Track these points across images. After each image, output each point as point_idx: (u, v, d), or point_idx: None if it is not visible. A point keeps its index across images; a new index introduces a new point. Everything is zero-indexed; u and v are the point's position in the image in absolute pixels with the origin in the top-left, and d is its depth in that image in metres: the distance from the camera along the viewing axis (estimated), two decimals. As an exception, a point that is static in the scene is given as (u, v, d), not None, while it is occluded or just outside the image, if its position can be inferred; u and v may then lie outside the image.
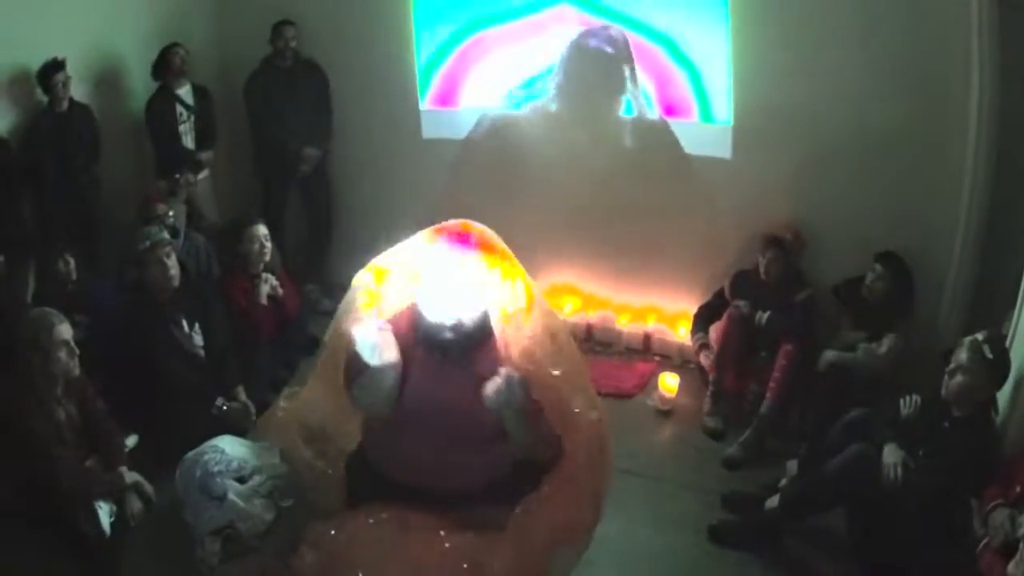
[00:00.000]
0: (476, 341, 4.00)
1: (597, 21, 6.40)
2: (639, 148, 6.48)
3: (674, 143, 6.42)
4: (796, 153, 5.98)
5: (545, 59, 6.66)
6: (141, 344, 5.47)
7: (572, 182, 6.69)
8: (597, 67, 6.44)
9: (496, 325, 4.03)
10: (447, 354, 4.01)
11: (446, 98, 7.21)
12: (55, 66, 6.19)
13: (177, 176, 6.67)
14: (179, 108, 7.00)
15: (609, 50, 6.34)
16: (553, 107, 6.67)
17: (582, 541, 4.16)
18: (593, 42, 6.38)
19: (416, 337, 4.10)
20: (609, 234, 6.77)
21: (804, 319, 5.71)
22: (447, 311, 3.96)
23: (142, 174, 7.17)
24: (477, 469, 4.06)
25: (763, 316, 5.72)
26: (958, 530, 4.09)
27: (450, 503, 4.04)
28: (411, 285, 4.23)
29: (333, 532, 4.15)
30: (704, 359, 6.01)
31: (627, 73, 6.37)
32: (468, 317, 3.96)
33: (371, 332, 4.02)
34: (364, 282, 4.32)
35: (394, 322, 4.20)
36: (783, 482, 4.88)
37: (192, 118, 7.09)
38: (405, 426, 4.11)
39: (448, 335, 3.96)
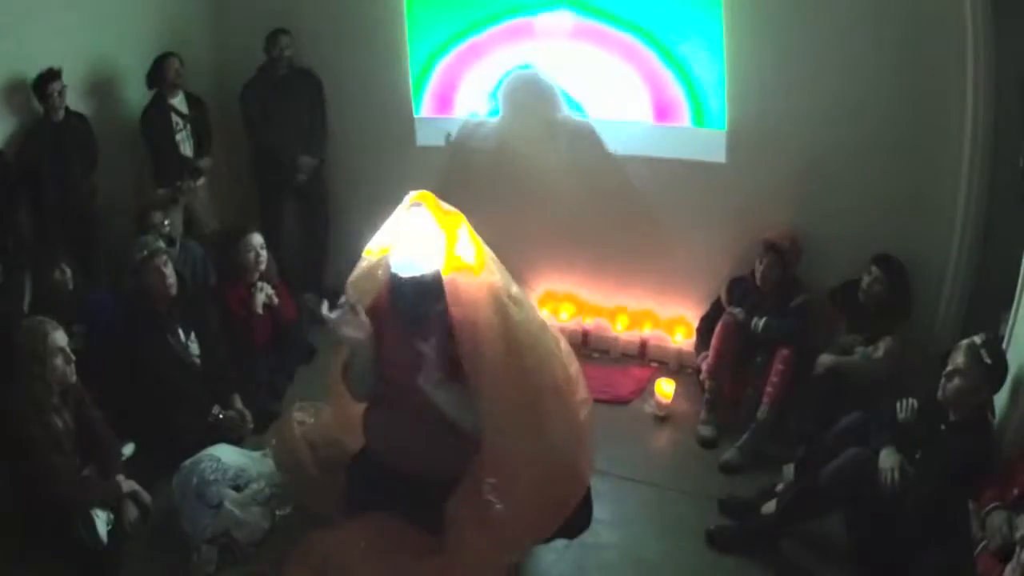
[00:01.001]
0: (431, 297, 4.03)
1: (586, 21, 6.45)
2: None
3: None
4: (791, 157, 5.97)
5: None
6: (138, 353, 5.48)
7: (564, 188, 6.71)
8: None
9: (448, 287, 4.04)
10: (406, 314, 4.09)
11: (441, 104, 7.22)
12: (51, 76, 6.20)
13: (178, 184, 6.70)
14: (174, 117, 7.02)
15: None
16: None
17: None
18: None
19: (389, 304, 4.19)
20: (604, 240, 6.80)
21: (800, 324, 5.70)
22: (406, 263, 4.03)
23: (138, 183, 7.20)
24: (456, 448, 4.07)
25: (759, 322, 5.72)
26: (956, 533, 4.08)
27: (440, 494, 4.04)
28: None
29: (321, 546, 4.18)
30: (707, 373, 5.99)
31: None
32: (425, 270, 4.01)
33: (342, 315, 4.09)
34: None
35: (375, 300, 4.29)
36: (780, 486, 4.88)
37: (188, 126, 7.12)
38: (386, 403, 4.23)
39: (407, 287, 4.03)
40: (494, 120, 6.96)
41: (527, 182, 6.82)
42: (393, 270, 4.08)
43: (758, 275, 5.82)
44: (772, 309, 5.75)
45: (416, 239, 4.06)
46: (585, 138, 6.67)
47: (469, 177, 6.96)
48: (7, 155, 6.19)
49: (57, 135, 6.37)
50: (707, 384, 5.87)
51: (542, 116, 6.75)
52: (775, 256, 5.77)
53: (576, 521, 4.37)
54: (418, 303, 4.05)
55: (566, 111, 6.71)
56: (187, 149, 7.15)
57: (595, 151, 6.65)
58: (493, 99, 6.92)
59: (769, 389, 5.56)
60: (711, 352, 5.87)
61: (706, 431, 5.76)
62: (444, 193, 6.46)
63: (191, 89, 7.21)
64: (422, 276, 3.99)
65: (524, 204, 6.84)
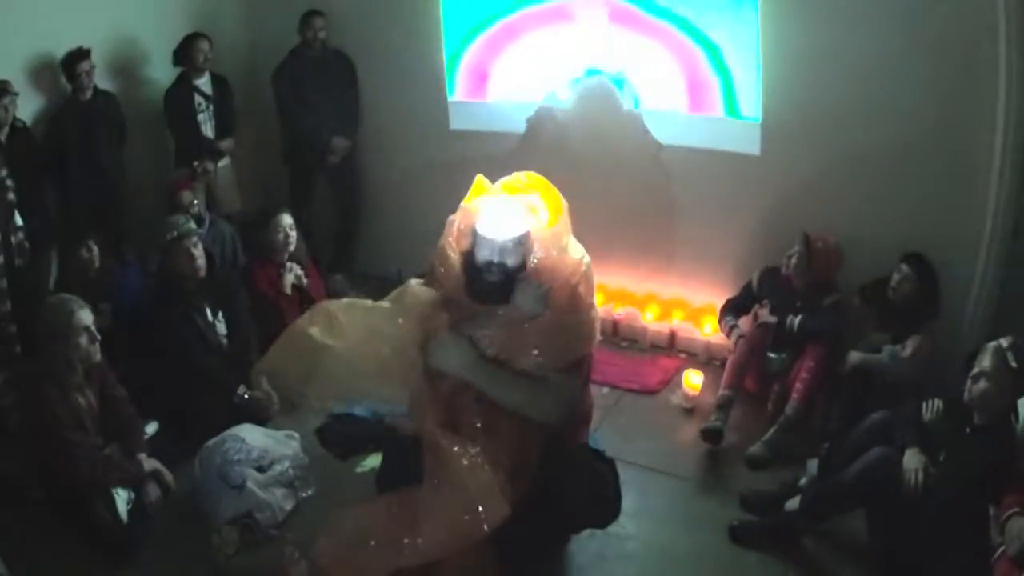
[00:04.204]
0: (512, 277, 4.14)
1: (623, 6, 6.40)
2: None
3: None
4: (824, 151, 5.93)
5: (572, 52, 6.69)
6: (164, 332, 5.50)
7: (600, 177, 6.67)
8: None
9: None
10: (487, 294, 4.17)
11: (475, 88, 7.20)
12: (80, 55, 6.26)
13: (196, 164, 6.70)
14: (197, 97, 7.04)
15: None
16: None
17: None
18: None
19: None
20: (637, 228, 6.81)
21: (833, 323, 5.67)
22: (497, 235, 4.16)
23: (166, 162, 7.21)
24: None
25: (795, 321, 5.68)
26: (976, 537, 4.04)
27: None
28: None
29: (349, 522, 4.18)
30: (735, 338, 5.93)
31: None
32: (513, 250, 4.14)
33: None
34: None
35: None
36: (803, 481, 4.86)
37: (211, 107, 7.13)
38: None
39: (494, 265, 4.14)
40: (562, 109, 6.90)
41: (566, 167, 6.77)
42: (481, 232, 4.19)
43: (785, 261, 5.81)
44: (804, 307, 5.72)
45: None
46: (634, 128, 6.64)
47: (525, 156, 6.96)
48: (35, 134, 6.24)
49: (85, 114, 6.42)
50: (722, 394, 5.74)
51: (605, 110, 6.71)
52: (803, 248, 5.73)
53: (605, 511, 4.38)
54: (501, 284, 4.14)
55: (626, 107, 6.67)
56: (208, 130, 7.17)
57: (639, 142, 6.63)
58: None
59: (799, 385, 5.54)
60: (739, 349, 5.83)
61: (716, 418, 5.65)
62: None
63: (220, 70, 7.24)
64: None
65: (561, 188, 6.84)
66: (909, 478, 4.15)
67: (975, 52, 5.28)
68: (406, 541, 3.86)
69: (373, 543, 3.98)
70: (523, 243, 4.16)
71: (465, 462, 3.89)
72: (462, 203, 4.43)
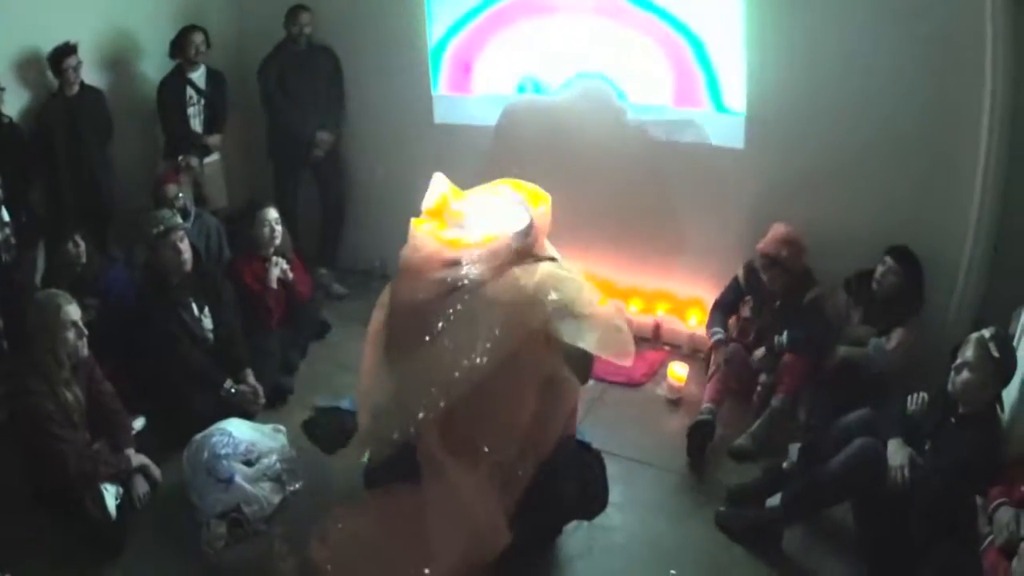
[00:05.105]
0: None
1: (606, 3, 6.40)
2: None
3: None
4: (810, 145, 5.91)
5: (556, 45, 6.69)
6: (151, 327, 5.50)
7: (586, 169, 6.67)
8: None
9: None
10: None
11: (458, 82, 7.19)
12: (67, 50, 6.23)
13: (180, 158, 6.69)
14: (189, 91, 7.03)
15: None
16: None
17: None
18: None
19: None
20: (622, 220, 6.78)
21: (816, 321, 5.65)
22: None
23: (152, 157, 7.20)
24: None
25: (782, 340, 5.64)
26: (963, 527, 4.07)
27: None
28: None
29: (340, 525, 4.19)
30: (718, 356, 5.87)
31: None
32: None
33: None
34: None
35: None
36: (786, 464, 4.88)
37: (202, 102, 7.12)
38: None
39: None
40: (547, 98, 6.89)
41: (550, 160, 6.77)
42: None
43: (767, 284, 5.78)
44: (784, 306, 5.74)
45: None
46: (619, 122, 6.65)
47: (502, 150, 6.96)
48: (22, 129, 6.23)
49: (71, 109, 6.40)
50: (706, 407, 5.65)
51: (591, 104, 6.70)
52: (777, 267, 5.68)
53: (592, 503, 4.41)
54: None
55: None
56: (197, 125, 7.17)
57: (625, 135, 6.63)
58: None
59: (785, 378, 5.57)
60: (722, 376, 5.81)
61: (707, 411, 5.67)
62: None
63: (213, 64, 7.22)
64: None
65: (545, 181, 6.85)
66: (895, 475, 4.18)
67: (962, 44, 5.28)
68: (413, 572, 3.90)
69: (369, 551, 4.02)
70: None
71: (472, 488, 3.93)
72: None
